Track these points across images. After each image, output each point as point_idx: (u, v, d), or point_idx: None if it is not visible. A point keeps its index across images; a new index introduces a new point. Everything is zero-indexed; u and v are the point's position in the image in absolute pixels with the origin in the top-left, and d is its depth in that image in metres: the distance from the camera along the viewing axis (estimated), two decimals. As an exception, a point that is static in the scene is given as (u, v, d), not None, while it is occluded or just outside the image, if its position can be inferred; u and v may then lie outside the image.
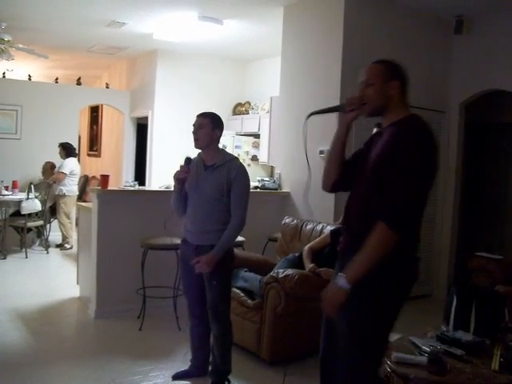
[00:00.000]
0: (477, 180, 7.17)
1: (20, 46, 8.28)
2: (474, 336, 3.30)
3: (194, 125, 3.59)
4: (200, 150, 3.66)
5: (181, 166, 3.59)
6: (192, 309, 3.81)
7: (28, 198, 7.90)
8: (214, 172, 3.54)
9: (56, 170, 8.80)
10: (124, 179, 9.82)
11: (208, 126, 3.55)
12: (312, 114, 2.68)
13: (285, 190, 6.42)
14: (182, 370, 3.96)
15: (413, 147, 2.29)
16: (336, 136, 2.64)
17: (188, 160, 3.60)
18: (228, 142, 8.24)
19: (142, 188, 5.95)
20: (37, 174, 9.17)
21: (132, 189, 5.75)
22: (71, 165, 8.67)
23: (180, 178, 3.56)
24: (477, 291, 3.76)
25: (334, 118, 5.66)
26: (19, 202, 7.90)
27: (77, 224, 6.96)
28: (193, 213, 3.62)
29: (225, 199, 3.51)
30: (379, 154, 2.39)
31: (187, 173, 3.55)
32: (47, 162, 9.06)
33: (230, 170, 3.52)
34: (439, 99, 6.56)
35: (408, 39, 6.20)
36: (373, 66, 2.56)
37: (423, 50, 6.35)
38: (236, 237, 3.65)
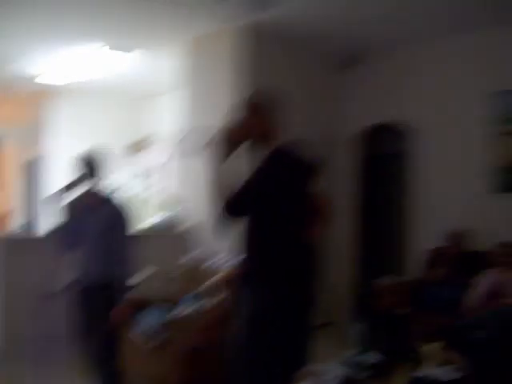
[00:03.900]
0: (371, 208, 7.46)
1: None
2: (382, 357, 3.41)
3: (77, 166, 3.59)
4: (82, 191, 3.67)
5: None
6: (85, 353, 3.66)
7: None
8: (96, 212, 3.55)
9: None
10: (17, 222, 9.44)
11: (91, 167, 3.58)
12: None
13: (191, 223, 6.37)
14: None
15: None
16: (221, 166, 2.67)
17: (64, 189, 3.62)
18: (126, 179, 8.11)
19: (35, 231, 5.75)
20: None
21: (25, 232, 5.56)
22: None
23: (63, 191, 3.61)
24: (381, 314, 3.90)
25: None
26: None
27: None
28: (80, 253, 3.59)
29: (109, 238, 3.50)
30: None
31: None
32: None
33: (113, 211, 3.57)
34: (332, 132, 6.82)
35: (301, 75, 6.43)
36: (254, 98, 2.69)
37: (315, 85, 6.61)
38: (126, 277, 3.57)
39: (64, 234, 3.67)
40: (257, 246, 2.59)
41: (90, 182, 3.60)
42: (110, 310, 3.45)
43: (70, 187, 3.63)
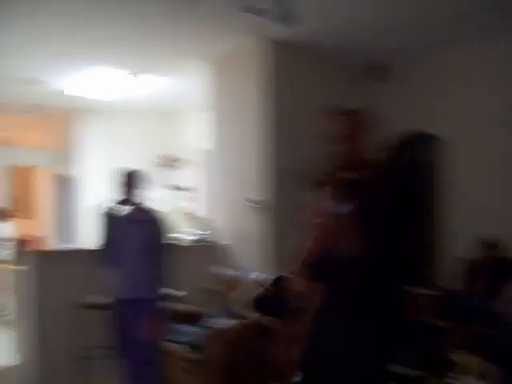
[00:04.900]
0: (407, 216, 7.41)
1: None
2: (417, 369, 3.44)
3: (119, 182, 3.72)
4: (124, 207, 3.78)
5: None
6: (127, 368, 3.74)
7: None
8: (139, 227, 3.69)
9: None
10: (56, 240, 9.66)
11: (133, 183, 3.73)
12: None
13: (223, 241, 6.48)
14: None
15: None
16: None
17: (107, 204, 3.75)
18: (157, 196, 8.19)
19: (73, 248, 5.88)
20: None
21: (65, 249, 5.68)
22: (2, 230, 8.47)
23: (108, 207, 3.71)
24: (412, 325, 3.92)
25: (266, 166, 5.85)
26: None
27: (13, 289, 6.76)
28: (124, 267, 3.69)
29: (151, 253, 3.64)
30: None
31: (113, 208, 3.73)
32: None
33: (154, 227, 3.72)
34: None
35: (332, 88, 6.45)
36: (351, 116, 2.37)
37: (347, 98, 6.61)
38: (165, 288, 3.71)
39: (106, 249, 3.76)
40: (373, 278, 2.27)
41: (133, 197, 3.73)
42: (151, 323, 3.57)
43: (113, 202, 3.75)
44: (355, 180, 2.25)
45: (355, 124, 2.33)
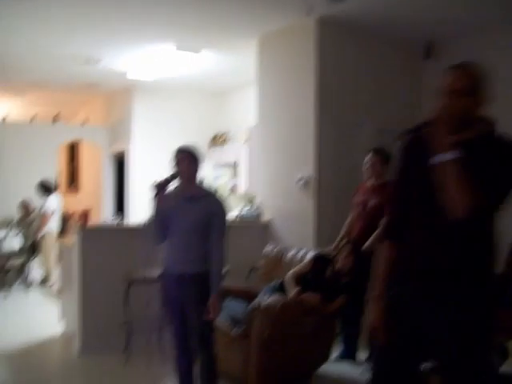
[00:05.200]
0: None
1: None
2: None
3: (175, 158, 3.65)
4: (178, 183, 3.72)
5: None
6: (176, 340, 3.77)
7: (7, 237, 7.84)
8: (194, 204, 3.61)
9: (37, 209, 8.75)
10: (105, 214, 9.80)
11: (189, 160, 3.64)
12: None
13: (266, 218, 6.46)
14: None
15: None
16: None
17: (171, 178, 3.65)
18: (207, 173, 8.25)
19: (121, 222, 5.94)
20: (15, 213, 9.13)
21: (112, 224, 5.74)
22: (52, 203, 8.63)
23: (161, 183, 3.62)
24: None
25: (310, 143, 5.78)
26: (-1, 241, 7.85)
27: (58, 261, 6.90)
28: (174, 242, 3.66)
29: (205, 230, 3.57)
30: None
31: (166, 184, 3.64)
32: (22, 201, 9.04)
33: (211, 203, 3.64)
34: (412, 121, 6.65)
35: (380, 65, 6.34)
36: (469, 70, 2.18)
37: (395, 75, 6.47)
38: (223, 268, 3.67)
39: (156, 225, 3.72)
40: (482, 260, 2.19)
41: (186, 174, 3.65)
42: (205, 298, 3.53)
43: (169, 179, 3.70)
44: (465, 138, 2.14)
45: (471, 78, 2.15)
